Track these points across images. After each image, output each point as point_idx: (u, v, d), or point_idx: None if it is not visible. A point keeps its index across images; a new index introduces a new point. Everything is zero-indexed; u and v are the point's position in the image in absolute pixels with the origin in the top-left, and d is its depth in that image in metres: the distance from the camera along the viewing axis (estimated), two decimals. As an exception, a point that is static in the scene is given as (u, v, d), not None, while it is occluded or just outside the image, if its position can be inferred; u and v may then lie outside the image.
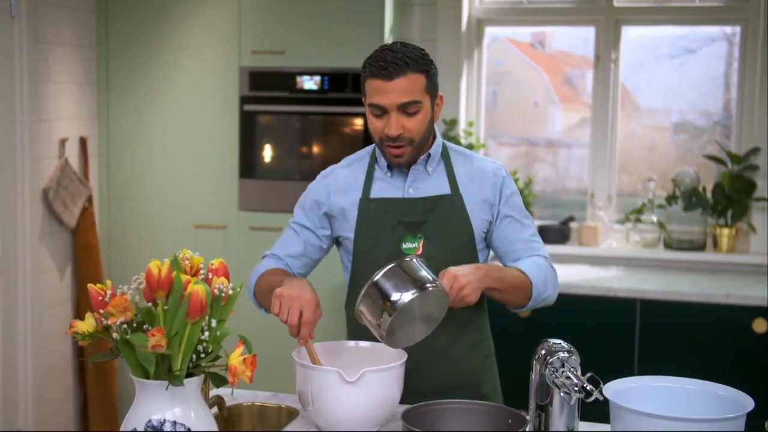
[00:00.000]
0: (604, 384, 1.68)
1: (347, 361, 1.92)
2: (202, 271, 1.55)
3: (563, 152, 4.63)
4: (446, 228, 2.16)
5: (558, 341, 1.76)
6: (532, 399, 1.76)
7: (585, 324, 3.35)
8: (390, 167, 2.20)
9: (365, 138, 4.06)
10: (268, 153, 4.19)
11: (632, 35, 4.33)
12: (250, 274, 2.38)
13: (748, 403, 1.62)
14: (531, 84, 4.78)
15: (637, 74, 4.45)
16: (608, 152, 4.29)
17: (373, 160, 2.24)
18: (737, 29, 4.15)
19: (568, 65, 4.70)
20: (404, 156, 2.12)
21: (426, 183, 2.20)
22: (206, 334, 1.46)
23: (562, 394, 1.70)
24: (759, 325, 3.42)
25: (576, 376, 1.67)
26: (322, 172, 2.31)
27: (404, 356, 1.86)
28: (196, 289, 1.43)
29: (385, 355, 1.91)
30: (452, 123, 4.26)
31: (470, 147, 4.22)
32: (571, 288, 3.64)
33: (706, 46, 4.34)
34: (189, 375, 1.48)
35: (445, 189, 2.20)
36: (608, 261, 4.10)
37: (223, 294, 1.50)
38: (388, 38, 4.04)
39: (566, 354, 1.72)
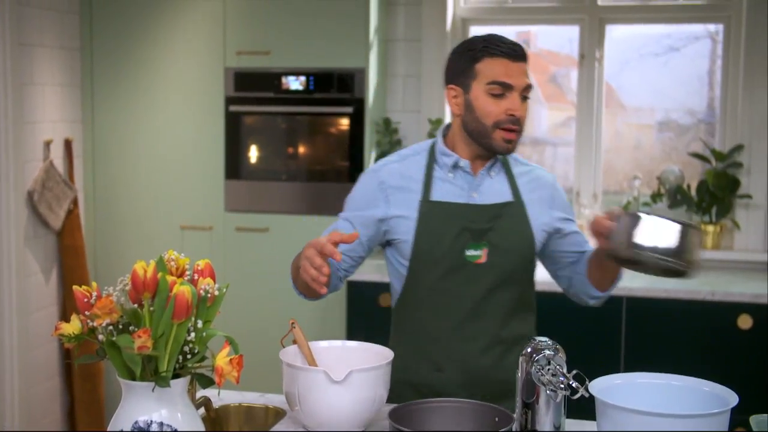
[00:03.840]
0: (590, 381, 1.69)
1: (334, 360, 1.92)
2: (187, 272, 1.55)
3: (549, 151, 4.65)
4: (510, 237, 2.12)
5: (544, 339, 1.76)
6: (519, 397, 1.77)
7: (571, 322, 3.35)
8: (455, 166, 2.14)
9: (351, 138, 4.06)
10: (253, 154, 4.19)
11: (617, 34, 4.35)
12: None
13: (732, 398, 1.63)
14: (516, 83, 4.79)
15: (622, 73, 4.47)
16: (593, 150, 4.31)
17: (432, 158, 2.17)
18: (720, 27, 4.17)
19: (553, 64, 4.72)
20: (514, 142, 2.08)
21: (489, 188, 2.15)
22: (192, 335, 1.46)
23: (548, 391, 1.71)
24: (744, 322, 3.44)
25: (562, 374, 1.68)
26: (373, 167, 2.22)
27: (391, 356, 1.86)
28: (182, 290, 1.43)
29: (371, 354, 1.91)
30: (438, 122, 4.27)
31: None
32: (557, 286, 3.64)
33: (690, 44, 4.37)
34: (175, 376, 1.48)
35: (507, 196, 2.15)
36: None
37: (209, 295, 1.50)
38: (373, 38, 4.04)
39: (552, 352, 1.73)
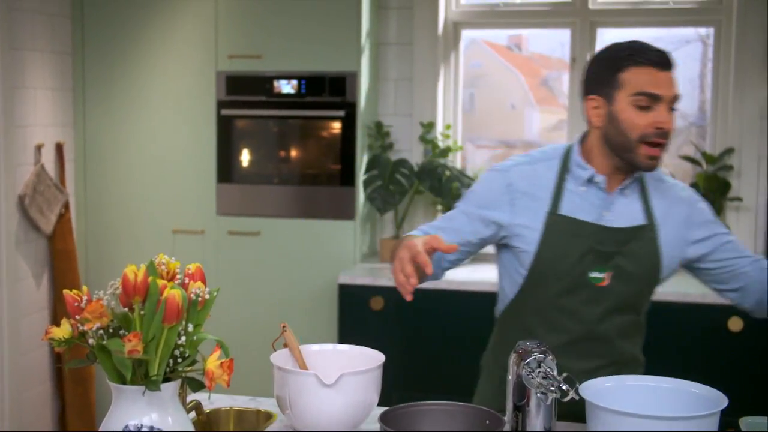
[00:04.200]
0: (580, 384, 1.69)
1: (325, 364, 1.92)
2: (178, 276, 1.55)
3: (541, 154, 4.65)
4: (637, 263, 2.02)
5: (534, 342, 1.77)
6: (509, 400, 1.77)
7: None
8: (589, 180, 2.03)
9: (343, 142, 4.06)
10: (245, 157, 4.19)
11: (608, 37, 4.36)
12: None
13: (722, 401, 1.64)
14: (508, 86, 4.81)
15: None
16: (585, 154, 4.31)
17: (565, 167, 2.06)
18: (711, 31, 4.18)
19: (545, 67, 4.73)
20: (657, 159, 1.98)
21: (622, 208, 2.04)
22: (183, 338, 1.46)
23: (538, 394, 1.71)
24: (734, 324, 3.45)
25: (552, 377, 1.68)
26: (502, 166, 2.11)
27: (382, 359, 1.87)
28: (173, 293, 1.43)
29: (362, 357, 1.91)
30: (429, 126, 4.27)
31: (447, 150, 4.23)
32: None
33: (681, 47, 4.38)
34: (166, 380, 1.48)
35: (640, 218, 2.04)
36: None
37: (199, 298, 1.49)
38: (364, 42, 4.05)
39: (542, 355, 1.73)
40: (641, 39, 2.02)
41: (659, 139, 1.94)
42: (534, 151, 2.13)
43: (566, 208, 2.03)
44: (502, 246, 2.11)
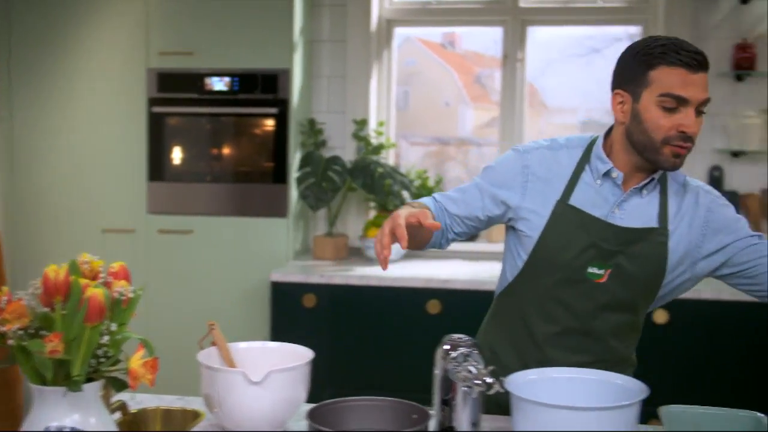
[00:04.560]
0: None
1: (254, 361, 1.91)
2: (101, 275, 1.53)
3: (473, 151, 4.70)
4: (639, 265, 1.96)
5: (461, 336, 1.78)
6: (437, 394, 1.78)
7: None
8: (606, 174, 1.98)
9: (276, 139, 4.05)
10: (177, 155, 4.15)
11: (541, 35, 4.42)
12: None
13: (643, 391, 1.67)
14: (442, 84, 4.84)
15: (546, 74, 4.55)
16: (516, 150, 4.36)
17: (586, 158, 2.02)
18: (639, 29, 4.27)
19: (478, 65, 4.77)
20: (682, 158, 1.90)
21: (635, 208, 1.98)
22: (106, 338, 1.44)
23: (464, 388, 1.73)
24: (659, 317, 3.52)
25: (477, 370, 1.70)
26: (523, 147, 2.07)
27: (310, 355, 1.87)
28: (95, 292, 1.41)
29: (291, 354, 1.91)
30: (362, 123, 4.28)
31: (380, 147, 4.25)
32: (481, 284, 3.70)
33: (611, 45, 4.46)
34: (89, 380, 1.46)
35: (652, 221, 1.98)
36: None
37: (123, 297, 1.48)
38: (297, 39, 4.04)
39: (469, 349, 1.75)
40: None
41: (682, 142, 1.88)
42: (561, 137, 2.09)
43: (577, 200, 1.99)
44: (510, 228, 2.09)
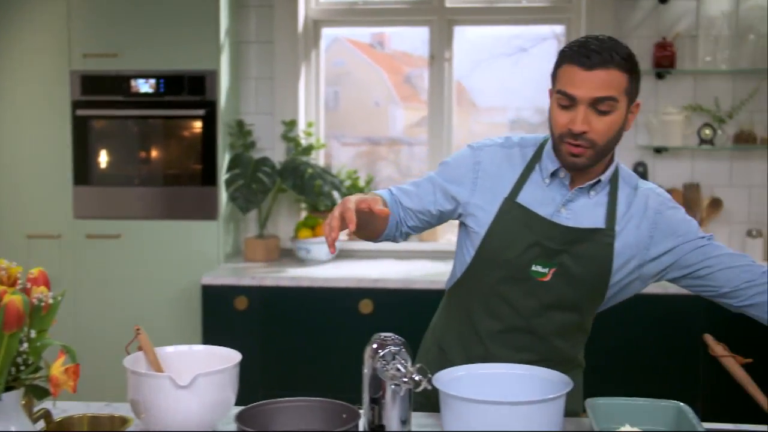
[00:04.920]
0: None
1: (182, 365, 1.89)
2: (20, 281, 1.50)
3: (404, 150, 4.72)
4: (583, 265, 1.95)
5: (389, 334, 1.78)
6: (366, 393, 1.79)
7: (427, 319, 3.42)
8: (554, 174, 1.98)
9: (204, 141, 4.02)
10: (103, 159, 4.09)
11: (469, 35, 4.46)
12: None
13: (568, 384, 1.70)
14: (372, 84, 4.85)
15: (474, 73, 4.59)
16: (444, 149, 4.40)
17: (538, 156, 2.02)
18: (562, 28, 4.33)
19: (407, 65, 4.79)
20: (583, 158, 1.89)
21: (582, 208, 1.97)
22: (25, 345, 1.42)
23: (392, 386, 1.74)
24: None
25: (405, 368, 1.71)
26: (478, 144, 2.08)
27: (238, 358, 1.86)
28: (13, 299, 1.38)
29: (219, 357, 1.90)
30: (291, 124, 4.27)
31: (310, 147, 4.24)
32: (413, 283, 3.72)
33: (537, 44, 4.52)
34: (9, 389, 1.43)
35: (599, 221, 1.96)
36: (448, 255, 4.20)
37: (42, 304, 1.45)
38: (223, 40, 4.01)
39: (397, 347, 1.75)
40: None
41: (573, 140, 1.88)
42: (516, 135, 2.09)
43: (525, 198, 1.99)
44: (461, 224, 2.09)
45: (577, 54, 1.86)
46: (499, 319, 2.03)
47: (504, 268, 1.98)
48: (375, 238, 2.08)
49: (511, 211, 1.98)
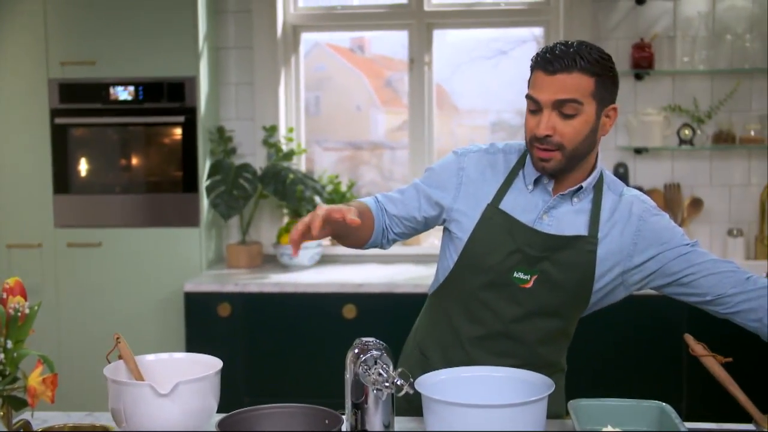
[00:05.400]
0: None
1: (163, 373, 1.88)
2: (-4, 292, 1.49)
3: (387, 154, 4.71)
4: (565, 273, 1.95)
5: (371, 339, 1.78)
6: (348, 398, 1.78)
7: (411, 323, 3.42)
8: (536, 181, 1.99)
9: (184, 148, 4.00)
10: (83, 167, 4.07)
11: (449, 38, 4.47)
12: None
13: (550, 386, 1.70)
14: (352, 88, 4.85)
15: (455, 76, 4.59)
16: (426, 152, 4.40)
17: (521, 164, 2.03)
18: (541, 30, 4.34)
19: (388, 69, 4.79)
20: (552, 161, 1.90)
21: (565, 215, 1.98)
22: (2, 356, 1.40)
23: (374, 391, 1.73)
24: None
25: (387, 372, 1.70)
26: (463, 149, 2.09)
27: (219, 365, 1.85)
28: (-12, 310, 1.37)
29: (200, 365, 1.89)
30: (272, 129, 4.26)
31: (291, 153, 4.23)
32: (396, 287, 3.71)
33: (517, 47, 4.53)
34: (-14, 400, 1.42)
35: (581, 229, 1.96)
36: (431, 259, 4.20)
37: (19, 314, 1.44)
38: (202, 46, 4.00)
39: (379, 352, 1.75)
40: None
41: (540, 144, 1.90)
42: (500, 142, 2.10)
43: (507, 204, 1.99)
44: (445, 229, 2.10)
45: (542, 60, 1.89)
46: (480, 325, 2.03)
47: (486, 274, 1.99)
48: (361, 246, 2.09)
49: (494, 217, 1.98)
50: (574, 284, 1.96)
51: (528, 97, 1.91)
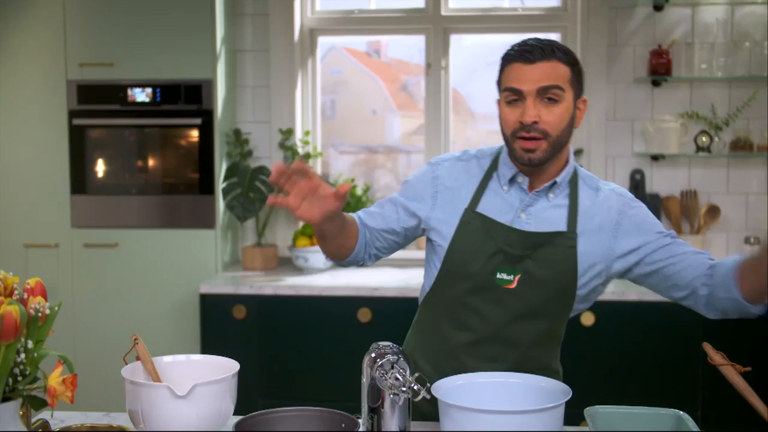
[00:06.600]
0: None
1: (179, 375, 1.89)
2: (17, 291, 1.50)
3: (402, 158, 4.71)
4: (548, 269, 1.96)
5: (387, 344, 1.78)
6: (364, 402, 1.78)
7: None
8: (511, 180, 2.01)
9: (201, 150, 4.01)
10: (100, 168, 4.09)
11: (465, 43, 4.46)
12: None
13: (567, 393, 1.70)
14: (369, 92, 4.85)
15: (471, 81, 4.59)
16: (442, 157, 4.39)
17: (494, 166, 2.05)
18: (558, 36, 4.33)
19: (404, 73, 4.79)
20: (537, 151, 1.91)
21: (542, 212, 1.99)
22: (22, 355, 1.41)
23: (391, 395, 1.73)
24: (587, 319, 3.58)
25: (403, 377, 1.71)
26: (436, 160, 2.12)
27: (236, 367, 1.85)
28: (9, 310, 1.38)
29: (216, 367, 1.89)
30: (288, 132, 4.27)
31: (307, 156, 4.24)
32: (411, 291, 3.71)
33: (534, 52, 4.51)
34: (6, 399, 1.43)
35: (560, 224, 1.98)
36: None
37: (39, 314, 1.45)
38: (220, 49, 4.01)
39: (395, 356, 1.75)
40: (495, 44, 2.03)
41: (526, 133, 1.90)
42: (473, 148, 2.13)
43: (484, 207, 2.01)
44: (427, 239, 2.11)
45: (519, 53, 1.92)
46: (469, 331, 2.03)
47: (470, 279, 2.00)
48: (344, 256, 2.08)
49: (472, 221, 2.00)
50: (558, 281, 1.97)
51: (507, 89, 1.92)
